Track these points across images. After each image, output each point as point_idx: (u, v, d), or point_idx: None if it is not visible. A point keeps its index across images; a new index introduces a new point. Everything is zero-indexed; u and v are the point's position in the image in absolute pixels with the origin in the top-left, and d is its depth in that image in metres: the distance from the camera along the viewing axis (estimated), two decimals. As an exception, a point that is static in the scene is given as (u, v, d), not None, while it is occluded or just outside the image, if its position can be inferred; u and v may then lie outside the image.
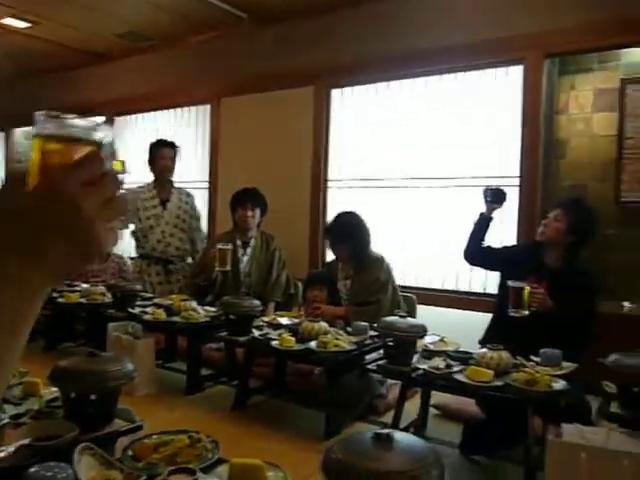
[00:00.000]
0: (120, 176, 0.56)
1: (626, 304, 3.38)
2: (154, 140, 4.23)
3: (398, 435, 1.01)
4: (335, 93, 4.31)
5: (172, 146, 4.13)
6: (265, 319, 3.01)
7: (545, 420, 2.16)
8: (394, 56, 3.92)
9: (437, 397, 2.80)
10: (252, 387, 3.04)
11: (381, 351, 2.63)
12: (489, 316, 2.98)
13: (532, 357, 2.34)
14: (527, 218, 3.48)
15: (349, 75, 4.19)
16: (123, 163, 3.68)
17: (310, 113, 4.33)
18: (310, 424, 2.70)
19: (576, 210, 2.72)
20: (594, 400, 2.25)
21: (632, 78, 3.58)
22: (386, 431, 1.00)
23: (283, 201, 4.24)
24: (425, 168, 3.95)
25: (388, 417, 2.71)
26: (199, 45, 4.95)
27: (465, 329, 3.06)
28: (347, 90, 4.27)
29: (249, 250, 3.86)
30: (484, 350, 2.28)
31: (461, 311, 3.75)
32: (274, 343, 2.63)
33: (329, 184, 4.35)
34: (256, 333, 2.79)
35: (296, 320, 2.91)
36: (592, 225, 2.74)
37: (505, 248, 3.13)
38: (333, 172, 4.35)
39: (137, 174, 5.36)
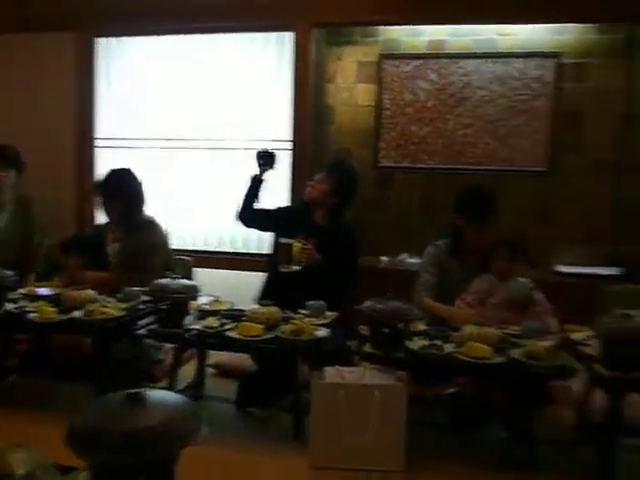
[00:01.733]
0: None
1: (383, 258, 3.78)
2: None
3: (152, 393, 0.97)
4: (101, 42, 3.95)
5: None
6: (22, 291, 2.70)
7: (312, 366, 2.33)
8: (165, 8, 3.72)
9: (216, 357, 2.82)
10: (9, 366, 2.73)
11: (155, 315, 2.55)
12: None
13: (300, 310, 2.48)
14: (299, 180, 3.65)
15: (117, 24, 3.86)
16: None
17: (71, 62, 3.90)
18: (79, 400, 2.51)
19: (338, 173, 2.92)
20: (355, 344, 2.48)
21: (388, 54, 3.92)
22: (137, 390, 0.96)
23: (44, 160, 3.80)
24: (201, 130, 3.88)
25: (166, 383, 2.66)
26: None
27: (243, 289, 3.14)
28: (114, 40, 3.95)
29: (4, 216, 3.40)
30: (255, 306, 2.35)
31: (239, 272, 3.81)
32: (31, 316, 2.38)
33: (98, 142, 4.01)
34: (10, 307, 2.49)
35: (58, 290, 2.66)
36: (353, 187, 2.97)
37: (277, 209, 3.25)
38: (102, 129, 4.02)
39: None
